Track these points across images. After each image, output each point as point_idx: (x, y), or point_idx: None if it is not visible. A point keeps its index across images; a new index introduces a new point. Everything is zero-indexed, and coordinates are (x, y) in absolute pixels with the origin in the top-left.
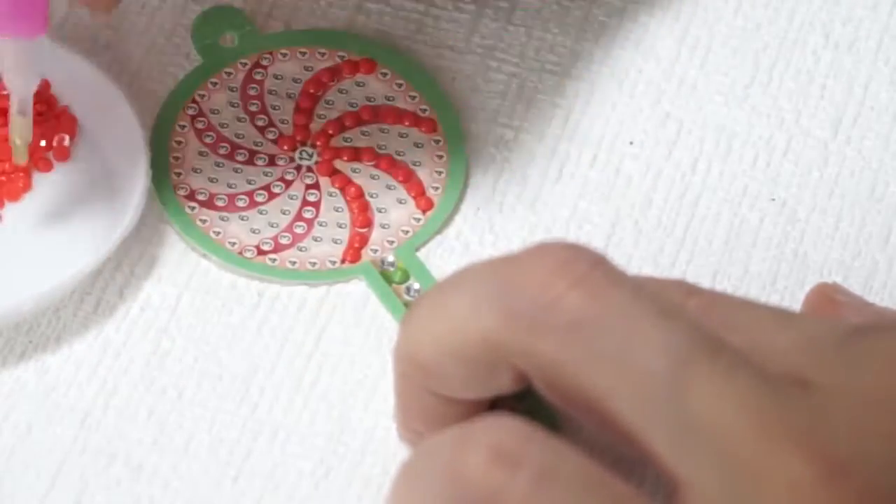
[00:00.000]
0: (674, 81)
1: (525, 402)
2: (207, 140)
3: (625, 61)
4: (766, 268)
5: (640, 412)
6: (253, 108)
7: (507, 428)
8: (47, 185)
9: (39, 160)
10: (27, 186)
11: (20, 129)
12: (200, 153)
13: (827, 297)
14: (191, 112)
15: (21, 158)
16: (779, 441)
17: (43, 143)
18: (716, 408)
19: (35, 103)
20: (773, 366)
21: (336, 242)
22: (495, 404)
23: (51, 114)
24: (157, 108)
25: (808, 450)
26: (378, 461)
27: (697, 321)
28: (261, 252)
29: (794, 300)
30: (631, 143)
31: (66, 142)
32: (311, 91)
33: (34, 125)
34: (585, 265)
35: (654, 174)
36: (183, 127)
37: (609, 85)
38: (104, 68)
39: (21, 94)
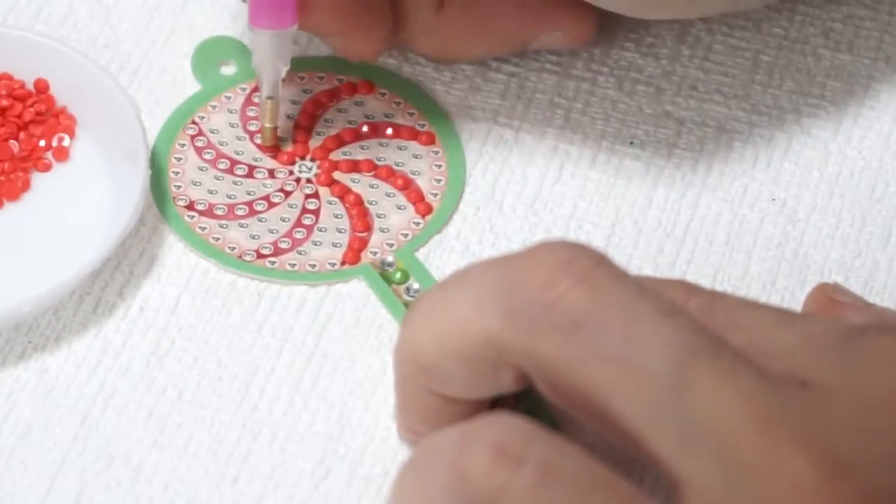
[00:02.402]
0: (674, 81)
1: (525, 402)
2: (207, 157)
3: (625, 61)
4: (767, 268)
5: (642, 411)
6: (252, 128)
7: (509, 426)
8: (47, 185)
9: (39, 160)
10: (27, 186)
11: (269, 112)
12: (200, 168)
13: (827, 298)
14: (190, 132)
15: (268, 140)
16: (780, 440)
17: (43, 143)
18: (717, 407)
19: (35, 103)
20: (775, 365)
21: (336, 246)
22: (496, 404)
23: (51, 114)
24: (157, 107)
25: (809, 449)
26: (378, 461)
27: (699, 321)
28: (260, 256)
29: (794, 300)
30: (631, 143)
31: (66, 142)
32: (310, 111)
33: (34, 125)
34: (587, 264)
35: (654, 174)
36: (182, 145)
37: (609, 85)
38: (104, 68)
39: (271, 79)
